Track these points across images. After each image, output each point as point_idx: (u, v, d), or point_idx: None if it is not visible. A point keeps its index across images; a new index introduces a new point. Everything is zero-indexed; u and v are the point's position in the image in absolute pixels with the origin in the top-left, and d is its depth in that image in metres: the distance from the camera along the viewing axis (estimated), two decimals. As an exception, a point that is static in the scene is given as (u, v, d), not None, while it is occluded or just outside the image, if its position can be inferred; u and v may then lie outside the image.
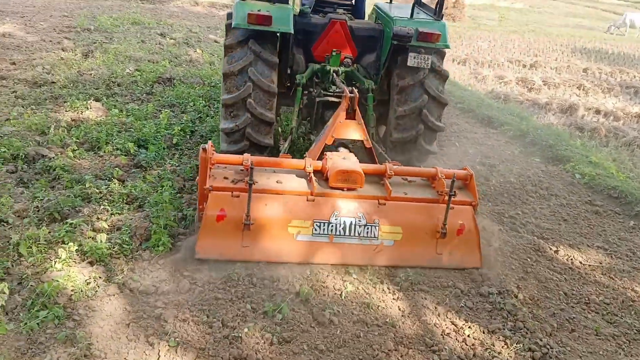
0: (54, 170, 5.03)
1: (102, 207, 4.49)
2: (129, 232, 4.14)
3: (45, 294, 3.40)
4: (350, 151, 4.75)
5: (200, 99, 7.36)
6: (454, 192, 4.16)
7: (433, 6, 5.63)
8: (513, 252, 4.80)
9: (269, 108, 5.02)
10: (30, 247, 3.83)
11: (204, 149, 4.03)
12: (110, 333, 3.29)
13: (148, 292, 3.68)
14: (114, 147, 5.62)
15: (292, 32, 4.94)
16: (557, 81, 12.47)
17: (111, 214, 4.42)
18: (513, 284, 4.27)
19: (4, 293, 3.38)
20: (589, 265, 4.81)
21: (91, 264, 3.85)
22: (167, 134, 6.06)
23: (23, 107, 6.52)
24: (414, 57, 5.10)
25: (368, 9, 6.45)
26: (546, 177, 6.64)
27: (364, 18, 6.26)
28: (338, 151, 4.65)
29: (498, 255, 4.58)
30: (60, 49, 9.19)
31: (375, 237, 4.25)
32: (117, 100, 7.03)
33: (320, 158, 4.49)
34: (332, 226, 4.17)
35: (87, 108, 6.61)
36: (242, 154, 4.27)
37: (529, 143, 7.66)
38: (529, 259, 4.73)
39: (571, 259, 4.87)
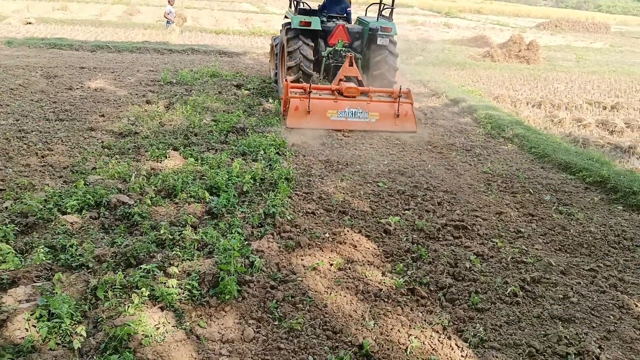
0: (133, 216, 5.31)
1: (174, 252, 4.68)
2: (197, 279, 4.27)
3: (117, 338, 3.54)
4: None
5: (272, 147, 7.60)
6: (401, 95, 9.27)
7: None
8: (594, 308, 4.49)
9: (310, 55, 9.96)
10: (107, 292, 4.04)
11: (286, 80, 9.23)
12: (177, 379, 3.37)
13: (214, 339, 3.75)
14: (189, 195, 5.88)
15: (320, 29, 9.93)
16: (642, 123, 11.78)
17: (182, 259, 4.58)
18: (594, 344, 3.97)
19: (81, 335, 3.57)
20: (683, 326, 4.38)
21: (161, 309, 3.98)
22: (238, 181, 6.28)
23: (109, 156, 7.01)
24: (381, 39, 9.92)
25: (353, 18, 11.53)
26: (630, 226, 6.21)
27: (351, 23, 11.08)
28: (346, 81, 9.53)
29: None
30: (145, 101, 9.86)
31: (367, 118, 9.19)
32: (193, 149, 7.39)
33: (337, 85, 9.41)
34: (346, 113, 9.08)
35: (166, 157, 7.00)
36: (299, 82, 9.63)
37: (610, 190, 7.23)
38: (611, 317, 4.39)
39: (661, 318, 4.47)
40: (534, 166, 8.28)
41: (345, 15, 11.06)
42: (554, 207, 6.63)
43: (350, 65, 9.54)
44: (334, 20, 10.68)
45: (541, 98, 13.78)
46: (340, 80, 9.46)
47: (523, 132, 9.74)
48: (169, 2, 19.88)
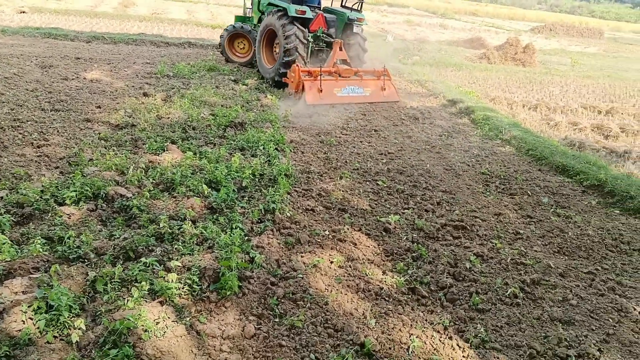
0: (131, 209, 5.24)
1: (174, 247, 4.62)
2: (198, 273, 4.22)
3: (117, 332, 3.49)
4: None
5: (271, 143, 7.55)
6: (384, 74, 11.36)
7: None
8: (593, 311, 4.50)
9: (303, 39, 11.26)
10: (106, 285, 3.98)
11: (297, 65, 10.59)
12: (177, 375, 3.32)
13: (214, 335, 3.71)
14: (188, 189, 5.82)
15: (312, 17, 11.48)
16: (636, 128, 11.86)
17: (182, 254, 4.53)
18: (594, 347, 3.98)
19: (80, 329, 3.52)
20: (681, 330, 4.41)
21: (161, 303, 3.93)
22: (237, 177, 6.23)
23: (105, 148, 6.92)
24: (356, 27, 11.86)
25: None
26: (627, 230, 6.24)
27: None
28: (341, 64, 11.30)
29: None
30: (142, 94, 9.76)
31: (363, 92, 11.07)
32: (191, 143, 7.32)
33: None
34: (347, 90, 10.79)
35: (164, 150, 6.93)
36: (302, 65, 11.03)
37: (607, 193, 7.27)
38: (610, 320, 4.41)
39: (659, 322, 4.48)
40: (532, 168, 8.30)
41: (318, 5, 13.03)
42: (552, 210, 6.65)
43: (340, 50, 11.25)
44: (311, 9, 12.25)
45: (537, 101, 13.84)
46: (335, 63, 11.16)
47: (520, 135, 9.77)
48: None
